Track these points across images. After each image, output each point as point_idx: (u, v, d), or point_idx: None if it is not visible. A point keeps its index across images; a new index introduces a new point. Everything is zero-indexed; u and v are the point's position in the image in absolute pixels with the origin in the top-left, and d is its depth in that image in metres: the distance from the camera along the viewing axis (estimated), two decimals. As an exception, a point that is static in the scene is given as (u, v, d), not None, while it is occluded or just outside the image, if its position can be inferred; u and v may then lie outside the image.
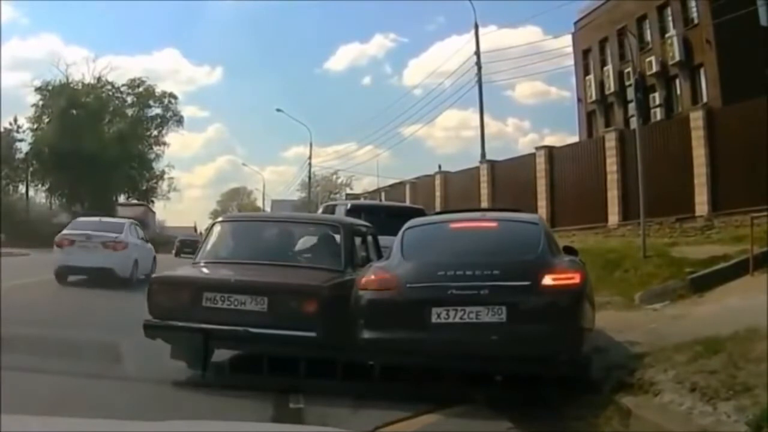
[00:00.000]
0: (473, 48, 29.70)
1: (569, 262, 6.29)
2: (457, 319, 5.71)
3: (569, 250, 7.04)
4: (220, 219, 8.99)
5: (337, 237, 7.35)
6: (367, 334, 5.92)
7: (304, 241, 7.63)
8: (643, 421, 4.83)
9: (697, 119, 17.29)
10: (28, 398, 5.01)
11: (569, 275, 5.93)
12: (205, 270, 7.22)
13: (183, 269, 7.77)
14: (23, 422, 2.34)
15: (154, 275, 7.04)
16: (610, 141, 19.97)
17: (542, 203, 22.08)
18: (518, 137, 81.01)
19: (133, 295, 10.35)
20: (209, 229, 8.13)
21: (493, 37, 78.12)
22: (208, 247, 7.51)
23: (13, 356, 6.13)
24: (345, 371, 5.66)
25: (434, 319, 5.73)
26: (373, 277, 6.21)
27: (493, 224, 7.13)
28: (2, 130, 50.22)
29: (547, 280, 5.80)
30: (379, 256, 7.79)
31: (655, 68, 26.07)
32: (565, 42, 33.33)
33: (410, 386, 5.59)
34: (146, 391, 5.96)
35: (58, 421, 2.51)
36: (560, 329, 5.65)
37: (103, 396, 5.57)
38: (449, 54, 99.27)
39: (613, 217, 19.50)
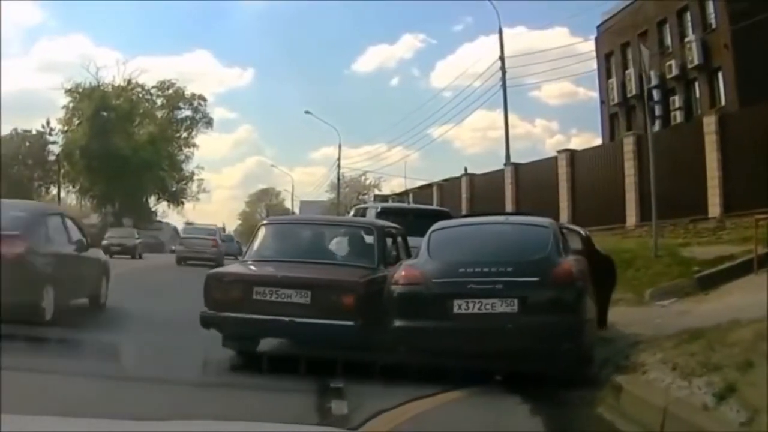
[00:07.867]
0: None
1: (573, 261, 7.10)
2: (475, 310, 6.53)
3: (606, 260, 8.20)
4: (264, 222, 9.76)
5: (371, 238, 8.15)
6: (398, 323, 6.78)
7: (341, 242, 8.47)
8: (630, 395, 5.65)
9: (710, 124, 17.67)
10: (28, 398, 4.92)
11: (573, 272, 6.77)
12: (253, 267, 8.02)
13: (234, 266, 8.70)
14: (23, 422, 2.31)
15: (209, 272, 7.93)
16: (629, 145, 20.42)
17: (564, 204, 22.58)
18: (545, 138, 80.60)
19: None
20: (255, 231, 8.93)
21: (522, 38, 78.18)
22: (255, 246, 8.29)
23: (13, 356, 6.12)
24: (378, 356, 6.46)
25: (456, 309, 6.57)
26: (403, 273, 7.07)
27: (509, 227, 8.08)
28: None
29: (554, 276, 6.66)
30: (409, 255, 8.56)
31: (675, 71, 26.51)
32: (592, 45, 33.52)
33: (434, 368, 6.30)
34: (147, 391, 5.99)
35: (58, 421, 2.46)
36: (564, 319, 6.48)
37: (103, 396, 5.60)
38: (478, 55, 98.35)
39: (631, 218, 19.95)
